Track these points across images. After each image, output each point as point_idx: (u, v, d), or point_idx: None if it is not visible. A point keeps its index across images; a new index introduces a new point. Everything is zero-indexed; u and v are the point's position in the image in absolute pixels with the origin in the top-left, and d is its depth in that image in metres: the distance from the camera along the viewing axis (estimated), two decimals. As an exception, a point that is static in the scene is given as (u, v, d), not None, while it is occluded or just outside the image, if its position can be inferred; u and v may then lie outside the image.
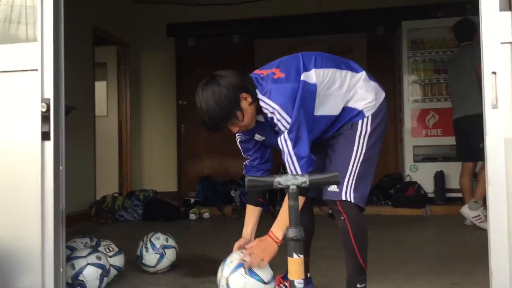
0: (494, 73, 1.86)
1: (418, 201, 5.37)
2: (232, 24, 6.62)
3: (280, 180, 1.49)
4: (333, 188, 2.19)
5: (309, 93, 2.10)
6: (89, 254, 2.60)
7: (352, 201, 2.17)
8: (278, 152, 2.36)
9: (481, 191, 4.24)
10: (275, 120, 2.08)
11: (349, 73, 2.25)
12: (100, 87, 6.47)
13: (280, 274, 2.45)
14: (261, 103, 2.11)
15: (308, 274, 2.50)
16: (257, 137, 2.30)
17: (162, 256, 3.00)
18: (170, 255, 3.04)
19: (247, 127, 2.18)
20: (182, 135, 6.86)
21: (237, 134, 2.35)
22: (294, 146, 2.06)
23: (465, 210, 4.36)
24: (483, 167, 4.20)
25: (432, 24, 5.82)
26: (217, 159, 6.72)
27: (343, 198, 2.17)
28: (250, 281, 2.07)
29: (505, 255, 1.84)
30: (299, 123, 2.05)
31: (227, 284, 2.10)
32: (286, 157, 2.08)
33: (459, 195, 4.76)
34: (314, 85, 2.12)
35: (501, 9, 1.86)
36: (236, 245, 2.29)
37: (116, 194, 5.72)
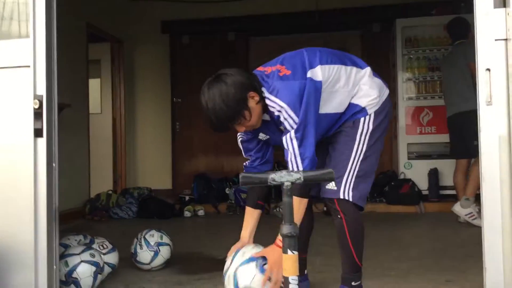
0: (488, 70, 1.87)
1: (412, 198, 5.38)
2: (227, 21, 6.59)
3: (274, 177, 1.49)
4: (331, 186, 2.17)
5: (315, 91, 2.05)
6: (82, 251, 2.58)
7: (351, 199, 2.15)
8: (276, 151, 2.34)
9: (472, 188, 4.27)
10: (282, 119, 2.03)
11: (354, 69, 2.20)
12: (94, 85, 6.44)
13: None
14: (268, 102, 2.05)
15: (305, 271, 2.50)
16: (261, 136, 2.24)
17: (156, 253, 2.99)
18: (165, 253, 3.03)
19: (254, 126, 2.12)
20: (176, 132, 6.83)
21: (238, 134, 2.28)
22: (299, 146, 2.01)
23: (457, 208, 4.37)
24: (474, 164, 4.23)
25: (427, 21, 5.83)
26: (212, 156, 6.70)
27: (341, 197, 2.15)
28: (258, 277, 2.01)
29: (498, 252, 1.85)
30: (306, 123, 2.01)
31: (235, 275, 2.04)
32: (290, 157, 2.03)
33: (453, 192, 4.78)
34: (320, 83, 2.07)
35: (496, 6, 1.87)
36: (233, 248, 2.20)
37: (110, 192, 5.70)
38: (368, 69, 2.25)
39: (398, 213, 5.22)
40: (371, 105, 2.19)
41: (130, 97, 6.86)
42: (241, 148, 2.33)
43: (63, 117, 3.89)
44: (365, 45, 6.44)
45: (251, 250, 2.10)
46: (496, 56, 1.86)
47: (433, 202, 5.43)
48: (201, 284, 2.75)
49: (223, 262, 2.17)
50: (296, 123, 2.01)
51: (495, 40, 1.86)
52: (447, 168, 5.23)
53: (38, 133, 2.18)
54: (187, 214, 5.44)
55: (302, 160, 2.02)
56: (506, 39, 1.85)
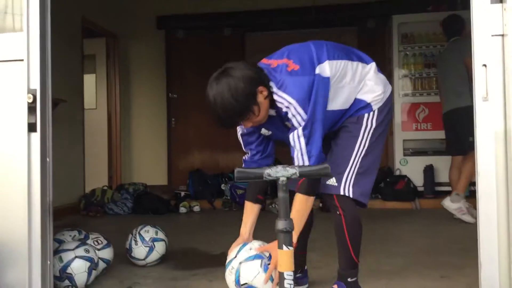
0: (484, 65, 1.86)
1: (408, 195, 5.40)
2: (223, 16, 6.57)
3: (270, 172, 1.48)
4: (332, 181, 2.15)
5: (324, 88, 2.02)
6: (77, 247, 2.57)
7: (351, 196, 2.14)
8: (278, 146, 2.31)
9: (463, 184, 4.28)
10: (290, 115, 1.99)
11: (360, 65, 2.18)
12: (89, 80, 6.40)
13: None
14: (276, 97, 2.00)
15: (305, 267, 2.50)
16: (264, 131, 2.19)
17: (151, 249, 2.98)
18: (160, 248, 3.03)
19: (260, 122, 2.07)
20: (172, 128, 6.82)
21: (238, 127, 2.22)
22: (307, 143, 1.99)
23: (447, 202, 4.38)
24: (466, 160, 4.24)
25: (423, 18, 5.83)
26: (207, 152, 6.69)
27: (341, 193, 2.14)
28: (261, 276, 1.99)
29: (494, 247, 1.85)
30: (314, 120, 1.98)
31: (238, 269, 2.02)
32: (297, 154, 2.00)
33: (449, 188, 4.79)
34: (328, 79, 2.04)
35: (492, 2, 1.86)
36: (234, 245, 2.17)
37: (105, 187, 5.68)
38: (373, 65, 2.23)
39: (393, 209, 5.23)
40: (376, 101, 2.18)
41: (126, 92, 6.83)
42: (241, 141, 2.28)
43: (58, 112, 3.87)
44: (361, 41, 6.43)
45: (258, 246, 2.07)
46: (492, 52, 1.85)
47: (428, 198, 5.44)
48: (196, 279, 2.74)
49: (218, 258, 2.17)
50: (304, 120, 1.98)
51: (492, 35, 1.85)
52: (442, 165, 5.24)
53: (31, 127, 2.16)
54: (182, 210, 5.43)
55: (309, 157, 1.99)
56: (503, 35, 1.84)
